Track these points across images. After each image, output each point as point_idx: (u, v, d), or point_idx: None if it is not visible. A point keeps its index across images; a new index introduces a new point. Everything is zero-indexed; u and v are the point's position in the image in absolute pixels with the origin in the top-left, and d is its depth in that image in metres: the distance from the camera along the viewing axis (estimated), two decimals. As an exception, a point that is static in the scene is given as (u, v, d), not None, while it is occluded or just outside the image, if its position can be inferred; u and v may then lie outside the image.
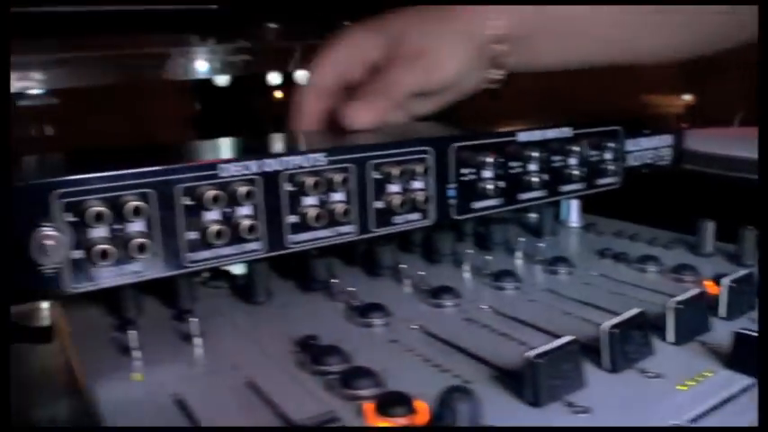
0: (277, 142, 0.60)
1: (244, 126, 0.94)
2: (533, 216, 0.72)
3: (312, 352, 0.42)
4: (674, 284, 0.55)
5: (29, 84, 0.83)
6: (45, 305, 0.63)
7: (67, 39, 0.83)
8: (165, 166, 0.44)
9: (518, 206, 0.62)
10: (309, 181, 0.49)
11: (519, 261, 0.61)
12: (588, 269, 0.58)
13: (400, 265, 0.56)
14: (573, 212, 0.73)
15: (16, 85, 0.82)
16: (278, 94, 0.93)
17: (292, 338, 0.45)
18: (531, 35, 0.69)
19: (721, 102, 1.59)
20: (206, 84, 0.89)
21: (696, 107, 1.64)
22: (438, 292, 0.52)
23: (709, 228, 0.62)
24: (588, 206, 0.75)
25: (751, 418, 0.36)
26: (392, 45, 0.66)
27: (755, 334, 0.40)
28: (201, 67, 0.82)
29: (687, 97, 1.65)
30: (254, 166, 0.48)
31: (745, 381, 0.39)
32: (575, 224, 0.72)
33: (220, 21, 0.79)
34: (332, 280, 0.54)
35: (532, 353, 0.36)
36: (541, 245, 0.62)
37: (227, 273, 0.57)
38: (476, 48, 0.67)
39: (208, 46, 0.80)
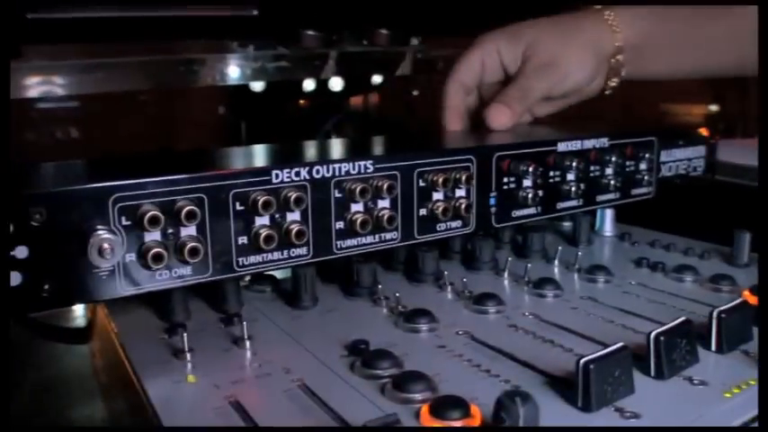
0: (320, 148, 0.62)
1: (279, 131, 0.95)
2: (568, 224, 0.73)
3: (363, 356, 0.43)
4: (713, 294, 0.56)
5: (59, 89, 0.85)
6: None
7: (108, 44, 0.84)
8: (219, 172, 0.45)
9: (555, 215, 0.63)
10: (357, 188, 0.50)
11: (557, 269, 0.62)
12: (626, 278, 0.59)
13: (444, 272, 0.57)
14: (607, 222, 0.74)
15: (47, 89, 0.83)
16: (312, 101, 0.94)
17: (341, 342, 0.46)
18: (648, 45, 0.74)
19: (743, 112, 1.59)
20: (242, 89, 0.90)
21: (720, 117, 1.65)
22: (481, 299, 0.52)
23: (746, 238, 0.63)
24: (621, 215, 0.75)
25: (799, 426, 0.37)
26: (527, 52, 0.72)
27: (800, 344, 0.41)
28: (238, 72, 0.83)
29: (713, 107, 1.66)
30: (304, 172, 0.48)
31: (789, 390, 0.40)
32: (609, 233, 0.73)
33: (260, 27, 0.81)
34: (377, 285, 0.55)
35: (585, 359, 0.37)
36: (580, 253, 0.62)
37: (270, 276, 0.58)
38: (600, 58, 0.73)
39: (246, 52, 0.82)
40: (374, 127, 1.05)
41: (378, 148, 0.61)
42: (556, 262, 0.63)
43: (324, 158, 0.50)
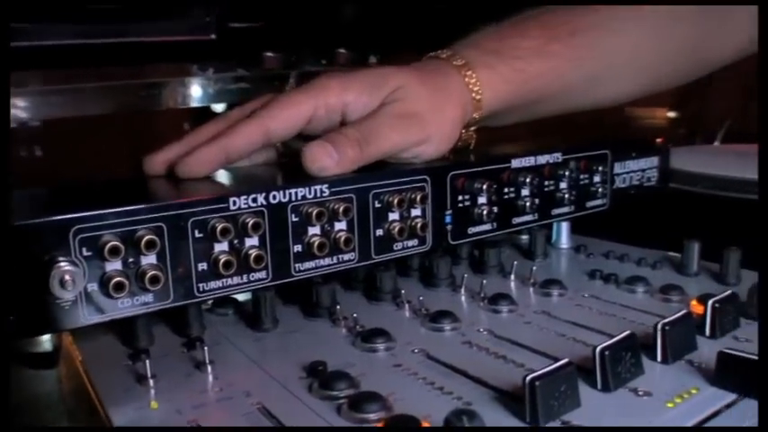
0: (278, 173, 0.63)
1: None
2: (526, 238, 0.74)
3: (321, 377, 0.44)
4: (662, 305, 0.57)
5: (24, 114, 0.85)
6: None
7: (69, 70, 0.85)
8: (178, 201, 0.46)
9: (511, 230, 0.65)
10: (313, 211, 0.51)
11: (513, 284, 0.64)
12: (579, 291, 0.61)
13: (401, 291, 0.59)
14: (563, 234, 0.75)
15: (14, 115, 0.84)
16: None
17: (300, 364, 0.47)
18: (507, 110, 0.68)
19: (705, 117, 1.62)
20: (205, 111, 0.91)
21: (681, 122, 1.67)
22: (437, 317, 0.54)
23: (695, 248, 0.65)
24: (579, 227, 0.77)
25: (735, 433, 0.39)
26: (390, 97, 0.60)
27: (738, 353, 0.42)
28: (200, 95, 0.84)
29: (672, 113, 1.69)
30: (261, 198, 0.50)
31: (728, 397, 0.42)
32: (565, 246, 0.75)
33: (219, 50, 0.82)
34: (335, 306, 0.56)
35: (531, 375, 0.38)
36: (534, 267, 0.64)
37: (232, 299, 0.59)
38: (463, 118, 0.64)
39: (206, 75, 0.83)
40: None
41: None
42: (512, 276, 0.64)
43: (280, 184, 0.51)
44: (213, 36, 0.79)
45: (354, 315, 0.54)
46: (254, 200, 0.50)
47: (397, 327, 0.53)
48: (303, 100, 0.58)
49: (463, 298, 0.60)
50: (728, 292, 0.52)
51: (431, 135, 0.60)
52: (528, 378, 0.38)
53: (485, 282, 0.60)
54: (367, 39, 0.84)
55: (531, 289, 0.62)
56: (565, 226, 0.75)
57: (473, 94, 0.64)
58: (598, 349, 0.42)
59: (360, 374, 0.45)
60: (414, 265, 0.66)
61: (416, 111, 0.60)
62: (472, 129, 0.67)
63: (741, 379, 0.42)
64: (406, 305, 0.58)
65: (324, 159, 0.55)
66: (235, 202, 0.48)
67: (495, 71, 0.65)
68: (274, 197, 0.50)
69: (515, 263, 0.65)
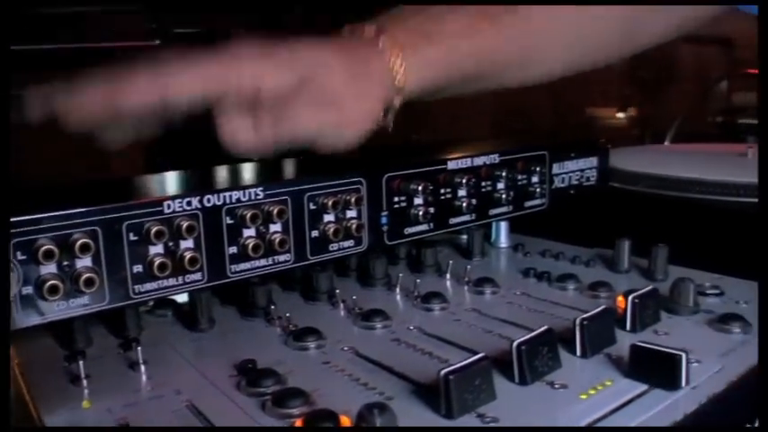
0: (218, 175, 0.64)
1: (193, 154, 0.97)
2: (464, 238, 0.76)
3: (249, 375, 0.45)
4: (590, 301, 0.59)
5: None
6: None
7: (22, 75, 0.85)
8: (112, 205, 0.47)
9: (448, 230, 0.66)
10: (248, 214, 0.52)
11: (448, 282, 0.65)
12: (512, 288, 0.63)
13: (336, 290, 0.60)
14: (502, 234, 0.77)
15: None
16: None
17: (232, 363, 0.49)
18: (429, 93, 0.65)
19: (659, 118, 1.65)
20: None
21: (640, 121, 1.71)
22: (369, 315, 0.55)
23: (625, 245, 0.67)
24: (519, 226, 0.79)
25: (640, 421, 0.40)
26: (306, 76, 0.56)
27: (649, 346, 0.44)
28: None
29: (630, 112, 1.72)
30: (195, 201, 0.51)
31: (639, 388, 0.44)
32: (503, 245, 0.77)
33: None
34: (270, 306, 0.57)
35: (445, 370, 0.40)
36: (469, 267, 0.66)
37: (171, 301, 0.60)
38: (384, 103, 0.62)
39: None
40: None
41: (276, 172, 0.63)
42: (448, 275, 0.66)
43: (214, 187, 0.52)
44: (157, 42, 0.80)
45: (287, 315, 0.55)
46: (189, 203, 0.51)
47: (330, 325, 0.54)
48: (215, 70, 0.53)
49: (398, 297, 0.62)
50: (649, 287, 0.54)
51: (348, 121, 0.59)
52: (443, 372, 0.40)
53: (418, 281, 0.61)
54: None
55: (466, 287, 0.63)
56: (503, 225, 0.77)
57: (395, 82, 0.61)
58: (515, 344, 0.44)
59: (288, 372, 0.46)
60: (352, 265, 0.67)
61: (335, 94, 0.58)
62: (390, 114, 0.63)
63: (652, 370, 0.44)
64: (341, 304, 0.59)
65: (241, 134, 0.55)
66: (169, 206, 0.49)
67: (422, 54, 0.62)
68: (209, 200, 0.51)
69: (450, 262, 0.66)
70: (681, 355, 0.43)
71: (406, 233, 0.63)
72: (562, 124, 0.99)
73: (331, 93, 0.57)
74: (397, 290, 0.62)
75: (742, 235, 0.81)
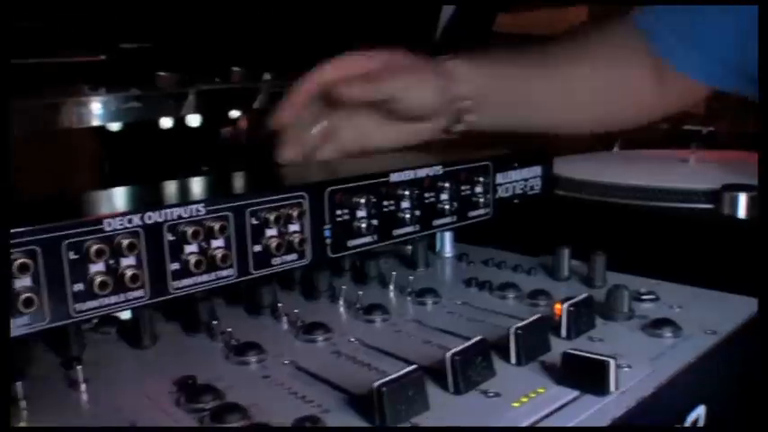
0: (162, 191, 0.64)
1: (137, 170, 0.97)
2: (410, 248, 0.77)
3: (188, 391, 0.46)
4: (530, 309, 0.61)
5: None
6: None
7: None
8: (51, 224, 0.47)
9: (392, 242, 0.67)
10: (189, 230, 0.53)
11: (392, 293, 0.66)
12: (453, 298, 0.64)
13: (279, 304, 0.61)
14: (447, 244, 0.78)
15: None
16: (171, 139, 0.96)
17: (173, 379, 0.49)
18: (486, 100, 0.81)
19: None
20: (100, 131, 0.92)
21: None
22: (310, 328, 0.56)
23: (565, 253, 0.69)
24: (466, 236, 0.80)
25: (569, 427, 0.41)
26: (382, 65, 0.75)
27: (579, 353, 0.46)
28: (94, 114, 0.85)
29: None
30: (136, 219, 0.51)
31: (571, 394, 0.45)
32: (448, 254, 0.78)
33: (113, 71, 0.83)
34: (213, 321, 0.57)
35: (378, 382, 0.41)
36: (411, 277, 0.67)
37: (116, 318, 0.60)
38: (442, 98, 0.78)
39: (98, 95, 0.83)
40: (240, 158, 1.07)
41: (218, 187, 0.64)
42: (391, 287, 0.67)
43: (155, 204, 0.52)
44: (103, 57, 0.80)
45: (229, 330, 0.56)
46: (130, 221, 0.51)
47: (272, 339, 0.55)
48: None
49: (342, 309, 0.62)
50: (584, 295, 0.55)
51: (410, 88, 0.76)
52: (375, 384, 0.40)
53: (361, 293, 0.62)
54: (260, 57, 0.86)
55: (409, 298, 0.64)
56: (448, 235, 0.78)
57: (452, 75, 0.79)
58: (449, 354, 0.45)
59: (227, 387, 0.47)
60: (297, 278, 0.68)
61: (400, 71, 0.76)
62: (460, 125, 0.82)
63: (582, 376, 0.45)
64: (284, 318, 0.60)
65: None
66: (110, 224, 0.50)
67: (475, 63, 0.80)
68: (150, 217, 0.52)
69: (394, 273, 0.67)
70: (609, 361, 0.45)
71: (350, 245, 0.64)
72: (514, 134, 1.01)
73: (399, 70, 0.76)
74: (341, 302, 0.63)
75: (681, 240, 0.84)
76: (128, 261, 0.51)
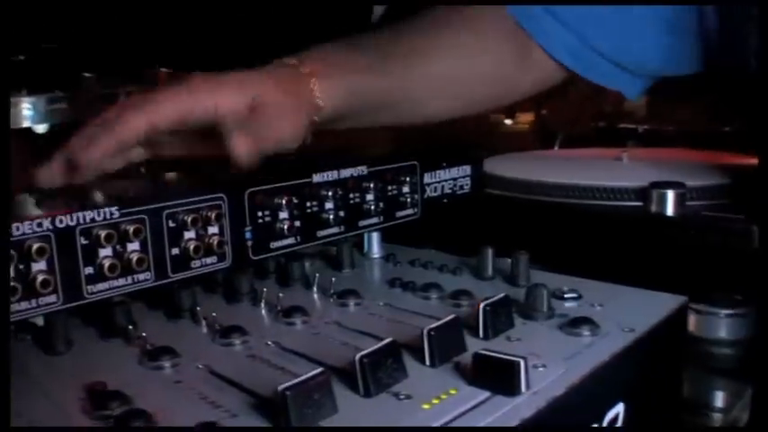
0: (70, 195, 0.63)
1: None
2: (336, 249, 0.77)
3: (95, 398, 0.45)
4: (452, 309, 0.61)
5: None
6: None
7: None
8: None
9: (317, 243, 0.67)
10: (103, 234, 0.52)
11: (315, 295, 0.66)
12: (375, 299, 0.63)
13: (197, 308, 0.60)
14: (374, 244, 0.78)
15: None
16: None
17: (83, 385, 0.48)
18: (345, 116, 0.79)
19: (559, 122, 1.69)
20: (27, 132, 0.90)
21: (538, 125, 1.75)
22: (227, 332, 0.55)
23: (488, 253, 0.69)
24: (394, 236, 0.80)
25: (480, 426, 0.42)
26: (254, 104, 0.69)
27: (489, 353, 0.46)
28: (17, 116, 0.84)
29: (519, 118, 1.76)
30: (47, 222, 0.50)
31: (482, 395, 0.45)
32: (376, 255, 0.78)
33: (31, 72, 0.81)
34: (129, 326, 0.57)
35: (282, 386, 0.40)
36: (334, 279, 0.66)
37: (32, 324, 0.59)
38: (308, 115, 0.74)
39: (20, 96, 0.82)
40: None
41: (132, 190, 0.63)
42: (314, 288, 0.66)
43: (66, 209, 0.52)
44: (21, 57, 0.79)
45: (144, 334, 0.55)
46: (40, 224, 0.50)
47: (188, 343, 0.54)
48: (183, 98, 0.66)
49: (263, 311, 0.62)
50: (501, 294, 0.55)
51: (288, 134, 0.72)
52: (279, 388, 0.40)
53: (281, 295, 0.62)
54: (186, 56, 0.85)
55: (331, 300, 0.64)
56: (375, 236, 0.78)
57: (317, 100, 0.74)
58: (357, 357, 0.45)
59: (137, 393, 0.46)
60: (219, 281, 0.67)
61: (278, 115, 0.71)
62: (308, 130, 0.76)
63: (493, 377, 0.45)
64: (203, 321, 0.59)
65: (243, 148, 0.67)
66: (18, 228, 0.49)
67: (335, 84, 0.76)
68: (61, 221, 0.51)
69: (317, 275, 0.67)
70: (519, 362, 0.45)
71: (272, 247, 0.63)
72: (449, 134, 1.01)
73: (276, 112, 0.71)
74: (262, 305, 0.63)
75: (609, 238, 0.85)
76: (38, 266, 0.50)
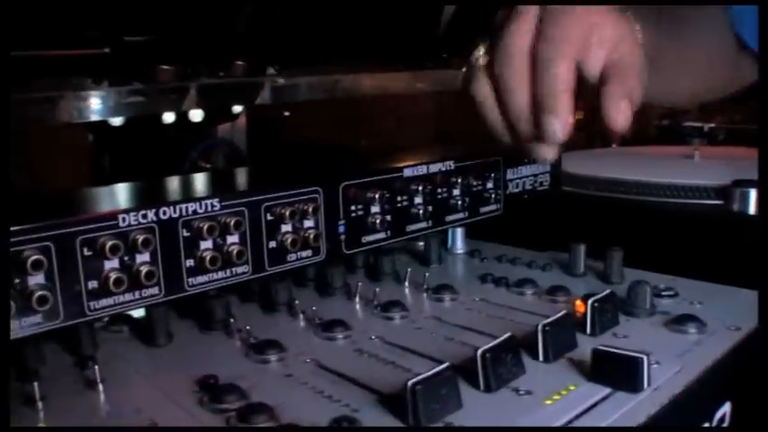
0: (172, 186, 0.63)
1: (141, 165, 0.95)
2: (421, 245, 0.76)
3: (211, 391, 0.45)
4: (549, 305, 0.60)
5: None
6: None
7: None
8: (65, 219, 0.46)
9: (406, 238, 0.66)
10: (204, 226, 0.52)
11: (407, 290, 0.65)
12: (470, 295, 0.63)
13: (295, 301, 0.59)
14: (458, 239, 0.77)
15: None
16: (174, 133, 0.95)
17: (193, 378, 0.48)
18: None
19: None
20: (103, 125, 0.90)
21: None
22: (330, 326, 0.55)
23: (581, 249, 0.68)
24: (475, 232, 0.79)
25: (606, 425, 0.40)
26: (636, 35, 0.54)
27: (609, 349, 0.45)
28: (95, 109, 0.84)
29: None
30: (151, 214, 0.50)
31: (603, 391, 0.44)
32: (460, 251, 0.77)
33: (114, 64, 0.81)
34: (230, 319, 0.56)
35: (412, 380, 0.39)
36: (427, 274, 0.65)
37: (126, 316, 0.59)
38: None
39: (101, 88, 0.82)
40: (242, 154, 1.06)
41: (232, 182, 0.63)
42: (406, 283, 0.66)
43: (170, 200, 0.51)
44: (107, 50, 0.79)
45: (247, 327, 0.54)
46: (144, 216, 0.50)
47: (290, 337, 0.54)
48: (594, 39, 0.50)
49: (358, 306, 0.61)
50: (607, 291, 0.54)
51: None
52: (409, 383, 0.39)
53: (377, 289, 0.61)
54: (263, 50, 0.85)
55: (425, 294, 0.63)
56: (459, 231, 0.77)
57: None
58: (479, 352, 0.44)
59: (251, 386, 0.45)
60: (309, 275, 0.67)
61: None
62: None
63: (614, 373, 0.44)
64: (301, 315, 0.59)
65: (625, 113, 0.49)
66: (124, 219, 0.49)
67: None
68: (164, 213, 0.51)
69: (409, 270, 0.66)
70: (642, 358, 0.44)
71: (364, 241, 0.63)
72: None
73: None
74: (357, 299, 0.62)
75: (691, 236, 0.83)
76: (143, 257, 0.50)
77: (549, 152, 0.53)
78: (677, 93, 0.74)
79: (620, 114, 0.49)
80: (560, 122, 0.49)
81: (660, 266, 0.68)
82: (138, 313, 0.58)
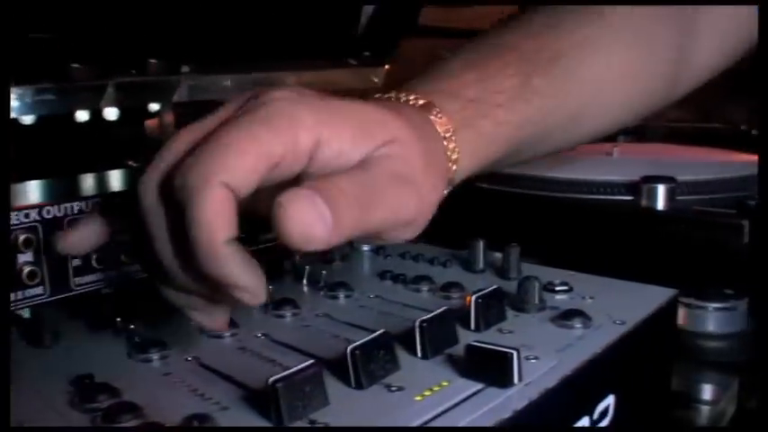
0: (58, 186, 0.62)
1: (53, 164, 0.94)
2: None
3: (83, 391, 0.44)
4: (442, 302, 0.60)
5: None
6: None
7: None
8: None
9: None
10: (93, 225, 0.51)
11: (306, 288, 0.65)
12: (366, 292, 0.63)
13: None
14: (364, 237, 0.77)
15: None
16: (87, 132, 0.94)
17: (70, 379, 0.47)
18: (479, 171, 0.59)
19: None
20: (13, 122, 0.89)
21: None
22: (216, 325, 0.55)
23: (479, 246, 0.68)
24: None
25: (470, 420, 0.41)
26: (383, 151, 0.44)
27: (482, 345, 0.45)
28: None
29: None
30: (34, 213, 0.50)
31: (474, 387, 0.45)
32: (365, 248, 0.77)
33: (19, 62, 0.80)
34: (117, 318, 0.56)
35: (273, 378, 0.40)
36: (324, 272, 0.66)
37: (17, 317, 0.58)
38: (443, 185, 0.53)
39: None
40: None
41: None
42: (304, 281, 0.66)
43: (55, 199, 0.51)
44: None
45: (132, 327, 0.54)
46: (27, 215, 0.50)
47: (177, 336, 0.54)
48: (269, 139, 0.40)
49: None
50: (493, 287, 0.55)
51: (422, 212, 0.47)
52: (270, 380, 0.40)
53: (271, 287, 0.61)
54: (177, 48, 0.84)
55: (321, 292, 0.64)
56: (365, 229, 0.77)
57: (450, 164, 0.51)
58: (349, 348, 0.44)
59: (126, 385, 0.45)
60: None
61: (413, 179, 0.45)
62: None
63: (486, 369, 0.45)
64: (192, 314, 0.58)
65: (314, 224, 0.38)
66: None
67: (477, 132, 0.53)
68: (48, 212, 0.50)
69: (308, 267, 0.66)
70: (512, 353, 0.44)
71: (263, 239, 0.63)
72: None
73: (410, 177, 0.45)
74: (251, 298, 0.62)
75: (600, 232, 0.85)
76: (25, 257, 0.50)
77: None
78: (594, 130, 0.67)
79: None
80: None
81: (570, 263, 0.69)
82: (27, 314, 0.57)
